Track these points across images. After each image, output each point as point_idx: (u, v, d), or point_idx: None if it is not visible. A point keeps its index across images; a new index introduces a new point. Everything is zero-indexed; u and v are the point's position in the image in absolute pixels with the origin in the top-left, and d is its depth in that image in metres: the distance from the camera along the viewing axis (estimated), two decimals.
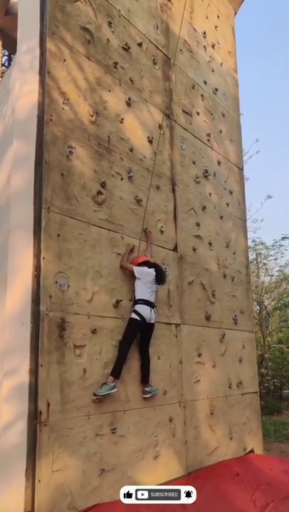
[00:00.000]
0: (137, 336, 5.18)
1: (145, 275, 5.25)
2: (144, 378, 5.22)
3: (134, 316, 5.09)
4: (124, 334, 5.02)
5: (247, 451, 7.08)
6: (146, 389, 5.20)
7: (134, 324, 5.07)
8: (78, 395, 4.38)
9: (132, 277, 5.33)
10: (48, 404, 4.06)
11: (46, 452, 3.96)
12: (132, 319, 5.08)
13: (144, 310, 5.12)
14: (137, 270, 5.21)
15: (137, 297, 5.20)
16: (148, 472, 5.02)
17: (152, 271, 5.33)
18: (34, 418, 3.93)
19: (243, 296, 7.97)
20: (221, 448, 6.42)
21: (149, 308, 5.17)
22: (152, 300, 5.28)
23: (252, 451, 7.18)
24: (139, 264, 5.33)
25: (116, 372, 4.76)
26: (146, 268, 5.31)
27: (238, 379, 7.23)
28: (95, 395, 4.54)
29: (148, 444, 5.11)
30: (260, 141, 38.18)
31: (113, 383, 4.69)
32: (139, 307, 5.12)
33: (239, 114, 9.11)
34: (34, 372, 4.03)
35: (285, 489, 5.14)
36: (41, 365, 4.07)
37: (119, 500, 4.36)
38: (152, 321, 5.24)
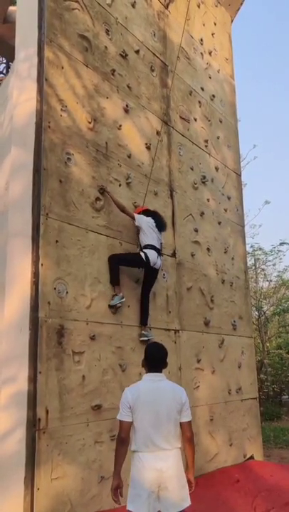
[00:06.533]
0: (129, 265, 5.30)
1: (144, 222, 5.37)
2: (143, 321, 5.38)
3: (141, 254, 5.24)
4: (122, 253, 5.21)
5: (247, 457, 7.04)
6: (144, 332, 5.34)
7: (136, 257, 5.26)
8: (77, 401, 4.37)
9: (130, 282, 5.34)
10: (47, 412, 4.04)
11: (45, 460, 3.93)
12: (138, 254, 5.26)
13: (151, 254, 5.26)
14: (137, 218, 5.35)
15: (144, 243, 5.33)
16: None
17: (150, 219, 5.44)
18: (33, 425, 3.91)
19: (242, 301, 7.97)
20: (220, 454, 6.39)
21: (156, 253, 5.31)
22: (158, 246, 5.42)
23: (252, 457, 7.14)
24: (139, 213, 5.49)
25: (116, 281, 5.05)
26: (143, 216, 5.43)
27: (237, 385, 7.21)
28: (110, 306, 4.94)
29: None
30: (258, 146, 38.34)
31: (121, 293, 5.03)
32: (147, 250, 5.27)
33: (236, 120, 9.16)
34: (33, 379, 4.01)
35: (286, 496, 5.11)
36: (40, 372, 4.05)
37: (119, 508, 4.34)
38: (157, 267, 5.38)
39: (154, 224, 5.45)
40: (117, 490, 3.09)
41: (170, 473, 2.98)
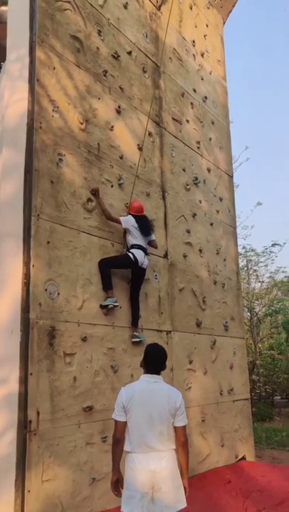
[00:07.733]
0: (118, 268, 5.31)
1: (130, 224, 5.41)
2: (134, 322, 5.39)
3: (129, 254, 5.28)
4: (111, 257, 5.22)
5: (239, 458, 7.06)
6: (136, 333, 5.37)
7: (125, 258, 5.28)
8: (68, 403, 4.35)
9: (121, 284, 5.34)
10: (38, 413, 4.02)
11: (36, 462, 3.91)
12: (126, 254, 5.29)
13: (139, 254, 5.31)
14: (123, 221, 5.37)
15: (131, 243, 5.37)
16: None
17: (134, 221, 5.43)
18: (24, 427, 3.89)
19: (234, 302, 7.99)
20: (212, 455, 6.40)
21: (143, 253, 5.36)
22: (145, 246, 5.47)
23: (244, 458, 7.16)
24: (129, 212, 5.55)
25: (108, 286, 5.06)
26: (130, 217, 5.46)
27: (229, 386, 7.23)
28: (101, 306, 4.94)
29: None
30: (250, 148, 38.54)
31: (114, 297, 5.05)
32: (134, 250, 5.32)
33: (228, 122, 9.20)
34: (24, 381, 3.99)
35: (277, 496, 5.13)
36: (31, 374, 4.03)
37: (111, 510, 4.33)
38: (144, 266, 5.41)
39: (137, 226, 5.44)
40: (118, 483, 3.11)
41: (164, 474, 2.97)
